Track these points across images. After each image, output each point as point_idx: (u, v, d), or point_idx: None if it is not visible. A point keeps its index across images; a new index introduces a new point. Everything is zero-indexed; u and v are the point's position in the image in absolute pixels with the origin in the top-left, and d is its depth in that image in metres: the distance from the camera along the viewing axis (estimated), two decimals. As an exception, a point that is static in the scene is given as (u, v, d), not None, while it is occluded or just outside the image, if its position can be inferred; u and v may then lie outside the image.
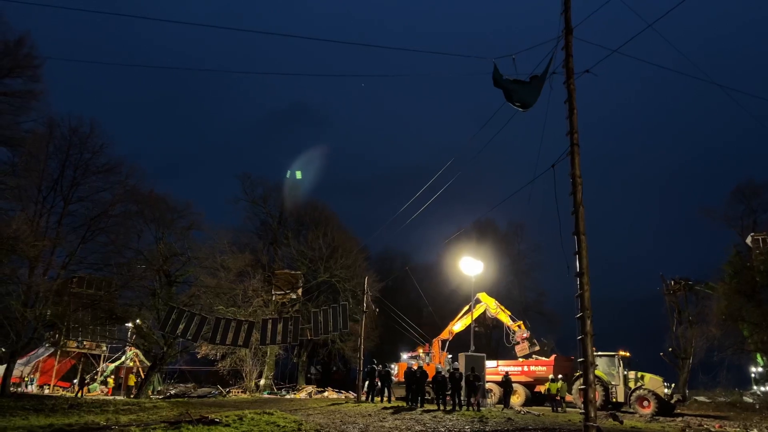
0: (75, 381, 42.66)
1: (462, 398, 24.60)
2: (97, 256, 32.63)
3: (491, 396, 31.84)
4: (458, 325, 38.53)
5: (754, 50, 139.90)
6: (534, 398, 32.88)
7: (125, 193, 32.77)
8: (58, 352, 40.23)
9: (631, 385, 28.01)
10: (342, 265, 47.73)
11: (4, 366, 30.14)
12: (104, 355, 44.67)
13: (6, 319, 27.85)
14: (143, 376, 37.68)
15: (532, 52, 13.33)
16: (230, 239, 41.29)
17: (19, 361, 32.91)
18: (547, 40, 12.97)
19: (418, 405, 24.35)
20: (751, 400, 37.64)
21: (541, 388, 31.37)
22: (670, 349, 39.42)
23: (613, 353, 28.98)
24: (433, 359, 36.70)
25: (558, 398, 28.22)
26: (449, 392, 24.70)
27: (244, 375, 41.66)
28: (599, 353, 28.37)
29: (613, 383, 28.40)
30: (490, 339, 56.40)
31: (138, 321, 35.88)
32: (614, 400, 28.14)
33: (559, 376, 29.19)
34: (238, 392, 40.25)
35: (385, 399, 27.66)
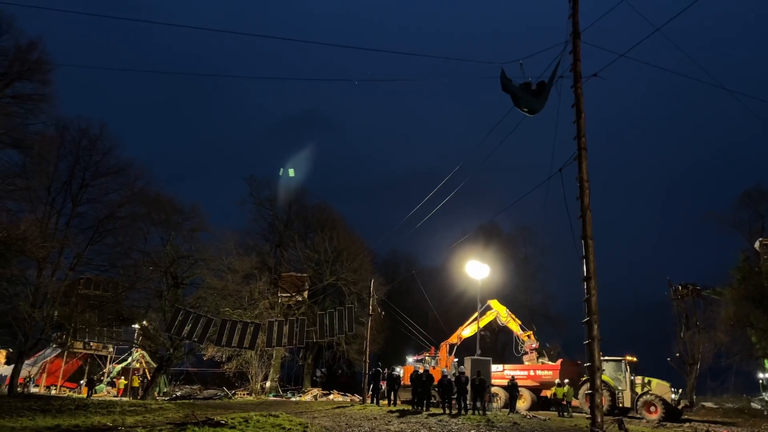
0: (81, 382, 42.87)
1: (468, 402, 24.57)
2: (105, 257, 32.92)
3: (497, 400, 31.74)
4: (467, 331, 38.39)
5: (762, 53, 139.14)
6: (540, 403, 32.73)
7: (133, 195, 32.98)
8: (65, 353, 40.44)
9: (638, 390, 27.83)
10: (348, 268, 47.75)
11: (12, 366, 30.33)
12: (111, 357, 44.87)
13: (14, 320, 28.03)
14: (149, 378, 37.80)
15: (539, 56, 13.33)
16: (237, 241, 41.45)
17: (26, 362, 33.10)
18: (554, 44, 12.97)
19: (424, 408, 24.33)
20: (759, 407, 37.36)
21: (548, 393, 31.24)
22: (678, 355, 39.16)
23: (620, 358, 28.82)
24: (440, 363, 36.63)
25: (564, 403, 28.11)
26: (455, 396, 24.68)
27: (249, 377, 41.73)
28: (606, 358, 28.21)
29: (619, 388, 28.24)
30: (496, 343, 56.22)
31: (144, 322, 36.01)
32: (621, 405, 27.97)
33: (566, 380, 29.08)
34: (244, 394, 40.32)
35: (390, 402, 27.64)
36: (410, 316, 42.00)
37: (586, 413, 26.88)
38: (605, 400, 26.61)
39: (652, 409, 26.70)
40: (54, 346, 38.22)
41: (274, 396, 41.01)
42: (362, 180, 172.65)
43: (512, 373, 32.45)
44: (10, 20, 26.10)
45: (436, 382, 26.67)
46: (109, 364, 44.49)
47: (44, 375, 42.09)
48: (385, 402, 28.36)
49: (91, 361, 45.13)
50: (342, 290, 47.66)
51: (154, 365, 38.65)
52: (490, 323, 38.60)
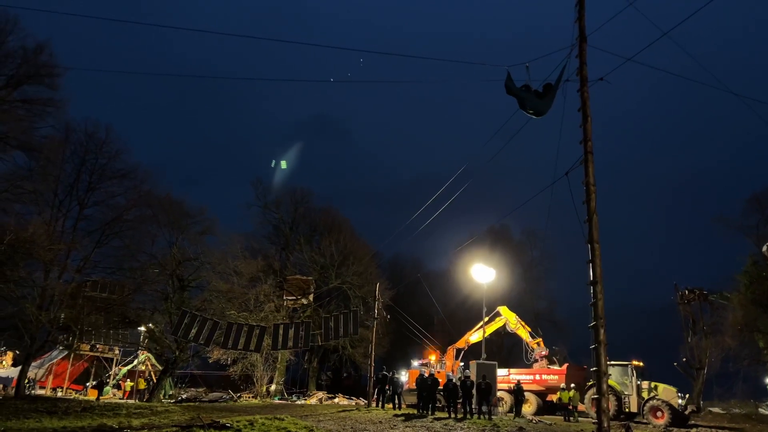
0: (88, 384, 43.01)
1: (473, 406, 24.50)
2: (111, 260, 33.04)
3: (502, 404, 31.64)
4: (475, 336, 38.28)
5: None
6: (546, 407, 32.62)
7: (140, 197, 33.11)
8: (72, 355, 40.57)
9: (645, 395, 27.70)
10: (353, 271, 47.76)
11: (19, 368, 30.45)
12: (117, 359, 44.99)
13: (21, 322, 28.15)
14: (155, 380, 37.88)
15: (545, 60, 13.33)
16: (243, 244, 41.56)
17: (33, 364, 33.25)
18: (560, 48, 12.97)
19: (429, 412, 24.27)
20: (766, 412, 37.10)
21: (553, 397, 31.14)
22: (684, 360, 38.97)
23: (626, 363, 28.70)
24: (447, 367, 36.57)
25: (570, 407, 28.01)
26: (460, 400, 24.62)
27: (255, 380, 41.75)
28: (612, 362, 28.10)
29: (626, 393, 28.12)
30: (502, 347, 56.07)
31: (150, 325, 36.12)
32: (627, 410, 27.84)
33: (572, 385, 28.97)
34: (249, 397, 40.33)
35: (395, 406, 27.59)
36: (415, 319, 41.97)
37: (592, 418, 26.77)
38: (611, 405, 26.48)
39: (659, 414, 26.56)
40: (60, 348, 38.36)
41: (279, 399, 41.01)
42: (372, 185, 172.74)
43: (518, 377, 32.36)
44: (14, 21, 26.26)
45: (441, 386, 26.63)
46: (115, 366, 44.60)
47: (50, 377, 42.25)
48: (390, 406, 28.31)
49: (97, 363, 45.28)
50: (347, 294, 47.67)
51: (160, 368, 38.72)
52: (498, 329, 38.51)
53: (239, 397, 40.36)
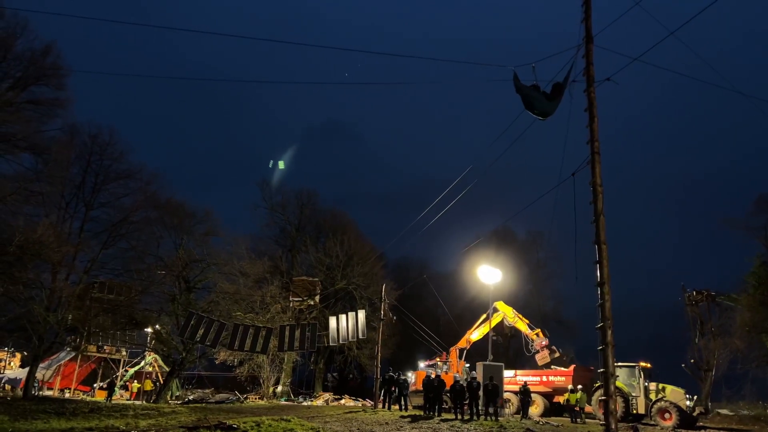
0: (95, 385, 43.18)
1: (480, 408, 24.44)
2: (118, 261, 33.23)
3: (509, 406, 31.54)
4: (476, 334, 38.27)
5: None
6: (553, 409, 32.48)
7: (146, 199, 33.24)
8: (79, 357, 40.76)
9: (652, 396, 27.54)
10: (359, 272, 47.79)
11: (27, 369, 30.62)
12: (124, 360, 45.16)
13: (29, 324, 28.31)
14: (162, 381, 37.99)
15: (552, 60, 13.28)
16: (249, 246, 41.66)
17: (41, 365, 33.40)
18: (567, 48, 12.92)
19: (436, 414, 24.23)
20: (775, 414, 36.81)
21: (560, 399, 30.99)
22: (693, 361, 38.74)
23: (633, 364, 28.54)
24: (451, 368, 36.50)
25: (577, 409, 27.87)
26: (467, 401, 24.56)
27: (261, 381, 41.82)
28: (620, 364, 27.95)
29: (633, 394, 27.97)
30: (508, 348, 55.93)
31: (157, 326, 36.23)
32: (635, 411, 27.70)
33: (579, 386, 28.83)
34: (256, 398, 40.40)
35: (401, 407, 27.57)
36: (422, 321, 41.93)
37: (599, 419, 26.64)
38: (619, 407, 26.34)
39: (667, 415, 26.41)
40: (68, 349, 38.58)
41: (285, 400, 41.07)
42: (383, 188, 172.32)
43: (525, 378, 32.25)
44: (24, 24, 26.43)
45: (447, 388, 26.58)
46: (122, 367, 44.77)
47: (58, 378, 42.45)
48: (397, 407, 28.28)
49: (104, 364, 45.47)
50: (353, 295, 47.71)
51: (167, 369, 38.86)
52: (499, 327, 38.40)
53: (246, 398, 40.43)
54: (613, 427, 10.63)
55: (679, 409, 26.26)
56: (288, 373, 45.78)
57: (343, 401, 40.74)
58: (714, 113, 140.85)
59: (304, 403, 38.62)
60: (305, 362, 51.63)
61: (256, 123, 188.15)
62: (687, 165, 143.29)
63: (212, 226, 37.70)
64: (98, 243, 31.77)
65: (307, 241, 53.51)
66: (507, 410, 30.57)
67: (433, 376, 26.81)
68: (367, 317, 29.03)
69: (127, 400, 38.50)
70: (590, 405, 29.01)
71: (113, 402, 32.06)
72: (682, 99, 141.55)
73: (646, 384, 27.90)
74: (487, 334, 36.98)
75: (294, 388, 47.43)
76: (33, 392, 32.81)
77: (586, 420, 27.72)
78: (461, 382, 25.73)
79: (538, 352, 35.20)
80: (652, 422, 26.86)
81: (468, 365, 36.67)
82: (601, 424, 13.10)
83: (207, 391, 46.10)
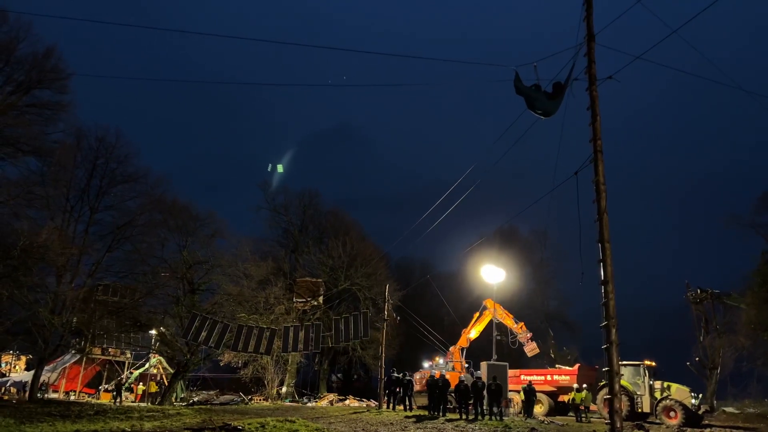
0: (101, 387, 43.27)
1: (484, 407, 24.43)
2: (123, 264, 33.28)
3: (514, 405, 31.52)
4: (473, 332, 38.74)
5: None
6: (557, 408, 32.44)
7: (150, 202, 33.29)
8: (84, 359, 40.84)
9: (657, 395, 27.48)
10: (362, 273, 47.79)
11: (32, 372, 30.69)
12: (128, 362, 45.23)
13: (34, 327, 28.38)
14: (167, 383, 38.03)
15: (553, 59, 13.28)
16: (252, 247, 41.65)
17: (46, 368, 33.49)
18: (568, 47, 12.92)
19: (440, 414, 24.23)
20: (781, 412, 36.68)
21: (565, 398, 30.96)
22: (698, 359, 38.64)
23: (638, 363, 28.48)
24: (455, 366, 36.62)
25: (582, 408, 27.83)
26: (471, 401, 24.55)
27: (265, 382, 41.86)
28: (624, 362, 27.89)
29: (638, 393, 27.90)
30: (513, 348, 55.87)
31: (162, 328, 36.26)
32: (640, 410, 27.63)
33: (584, 385, 28.81)
34: (260, 400, 40.45)
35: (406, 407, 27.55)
36: (425, 320, 41.94)
37: (604, 418, 26.60)
38: (624, 406, 26.30)
39: (672, 414, 26.34)
40: (73, 352, 38.66)
41: (290, 401, 41.10)
42: (391, 190, 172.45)
43: (529, 378, 32.21)
44: (27, 27, 26.49)
45: (452, 387, 26.57)
46: (127, 369, 44.85)
47: (63, 381, 42.55)
48: (401, 407, 28.27)
49: (109, 367, 45.56)
50: (357, 295, 47.71)
51: (172, 371, 38.89)
52: (504, 326, 38.56)
53: (250, 399, 40.48)
54: (618, 425, 10.62)
55: (684, 407, 26.19)
56: (292, 374, 45.81)
57: (347, 402, 40.76)
58: (716, 112, 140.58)
59: (309, 404, 38.64)
60: (309, 363, 51.69)
61: (263, 126, 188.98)
62: (689, 163, 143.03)
63: (218, 228, 37.76)
64: (103, 246, 31.87)
65: (309, 242, 53.58)
66: (512, 410, 30.55)
67: (437, 376, 26.79)
68: (370, 318, 29.02)
69: (132, 402, 38.55)
70: (595, 404, 28.97)
71: (117, 404, 32.12)
72: (684, 97, 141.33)
73: (651, 382, 27.83)
74: (490, 332, 37.11)
75: (298, 389, 47.47)
76: (38, 395, 32.90)
77: (591, 419, 27.69)
78: (466, 382, 25.73)
79: (525, 344, 35.95)
80: (658, 421, 26.80)
81: (468, 364, 36.92)
82: (606, 423, 13.09)
83: (211, 392, 46.18)
